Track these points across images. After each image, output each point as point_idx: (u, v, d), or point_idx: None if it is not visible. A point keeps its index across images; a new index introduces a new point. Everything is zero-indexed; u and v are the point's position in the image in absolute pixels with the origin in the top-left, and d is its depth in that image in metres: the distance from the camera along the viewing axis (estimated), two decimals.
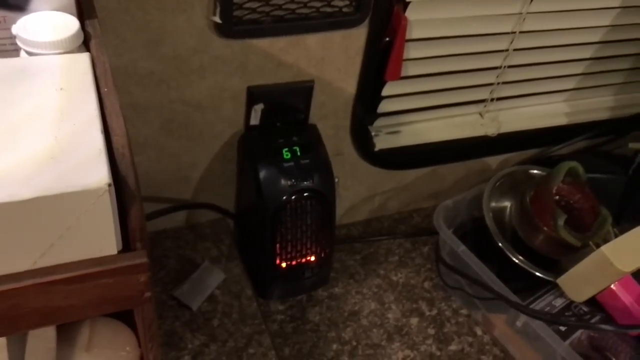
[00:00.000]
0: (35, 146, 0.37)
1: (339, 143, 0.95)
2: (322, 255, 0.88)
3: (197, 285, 0.86)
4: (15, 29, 0.48)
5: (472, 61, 0.96)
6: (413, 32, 0.86)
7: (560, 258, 0.91)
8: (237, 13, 0.73)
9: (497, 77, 1.00)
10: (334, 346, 0.87)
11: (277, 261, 0.85)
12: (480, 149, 1.07)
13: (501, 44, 0.95)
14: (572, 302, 0.89)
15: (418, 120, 1.01)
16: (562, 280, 0.85)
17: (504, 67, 0.98)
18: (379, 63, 0.87)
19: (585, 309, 0.88)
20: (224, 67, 0.78)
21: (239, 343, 0.81)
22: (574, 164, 0.91)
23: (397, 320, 0.91)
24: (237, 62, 0.78)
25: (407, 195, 1.08)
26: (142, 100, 0.77)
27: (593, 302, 0.87)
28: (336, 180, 0.86)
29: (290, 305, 0.91)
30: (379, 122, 0.99)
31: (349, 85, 0.88)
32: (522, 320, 0.84)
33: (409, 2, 0.83)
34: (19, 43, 0.48)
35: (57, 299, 0.37)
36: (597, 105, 1.15)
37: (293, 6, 0.75)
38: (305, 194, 0.82)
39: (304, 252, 0.86)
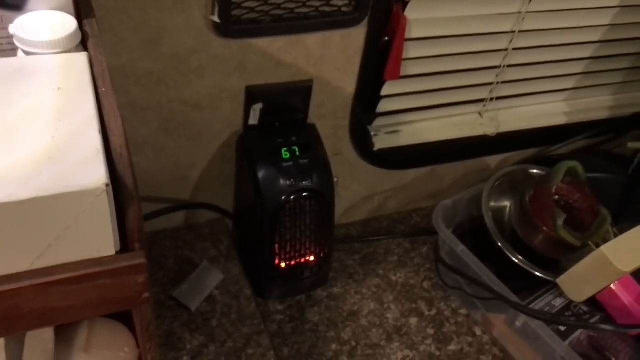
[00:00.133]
0: (32, 146, 0.37)
1: (338, 143, 0.94)
2: (321, 255, 0.88)
3: (195, 285, 0.86)
4: (13, 28, 0.47)
5: (471, 61, 0.95)
6: (412, 32, 0.86)
7: (559, 258, 0.91)
8: (235, 12, 0.73)
9: (497, 76, 1.00)
10: (333, 346, 0.87)
11: (276, 261, 0.85)
12: (479, 149, 1.07)
13: (500, 43, 0.95)
14: (571, 302, 0.89)
15: (417, 119, 1.01)
16: (562, 280, 0.85)
17: (503, 66, 0.98)
18: (378, 62, 0.87)
19: (584, 308, 0.88)
20: (223, 66, 0.78)
21: (237, 343, 0.81)
22: (573, 163, 0.91)
23: (397, 320, 0.91)
24: (235, 61, 0.78)
25: (406, 195, 1.08)
26: (140, 100, 0.77)
27: (593, 302, 0.87)
28: (335, 180, 0.85)
29: (289, 306, 0.91)
30: (378, 122, 0.98)
31: (348, 84, 0.88)
32: (521, 320, 0.84)
33: (408, 2, 0.82)
34: (16, 42, 0.47)
35: (54, 300, 0.37)
36: (597, 105, 1.15)
37: (292, 5, 0.75)
38: (304, 194, 0.82)
39: (303, 252, 0.86)
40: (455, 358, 0.88)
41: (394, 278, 0.98)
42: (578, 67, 1.07)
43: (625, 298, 0.84)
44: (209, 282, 0.87)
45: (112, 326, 0.54)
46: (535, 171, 1.01)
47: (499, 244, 0.90)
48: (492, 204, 0.96)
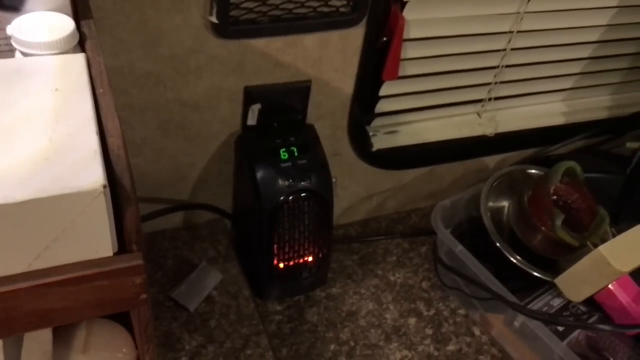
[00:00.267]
0: (30, 147, 0.37)
1: (336, 143, 0.94)
2: (320, 255, 0.88)
3: (194, 286, 0.86)
4: (10, 29, 0.47)
5: (469, 61, 0.95)
6: (410, 32, 0.86)
7: (558, 258, 0.91)
8: (233, 13, 0.73)
9: (495, 76, 1.00)
10: (332, 347, 0.87)
11: (275, 262, 0.85)
12: (478, 149, 1.07)
13: (499, 43, 0.95)
14: (569, 302, 0.89)
15: (416, 120, 1.01)
16: (560, 280, 0.85)
17: (502, 66, 0.98)
18: (377, 63, 0.87)
19: (582, 308, 0.88)
20: (221, 67, 0.78)
21: (236, 344, 0.81)
22: (571, 163, 0.91)
23: (395, 321, 0.91)
24: (234, 62, 0.78)
25: (405, 195, 1.08)
26: (139, 100, 0.77)
27: (591, 302, 0.87)
28: (334, 180, 0.85)
29: (287, 306, 0.91)
30: (377, 122, 0.99)
31: (347, 85, 0.88)
32: (519, 320, 0.84)
33: (406, 2, 0.82)
34: (13, 44, 0.47)
35: (52, 301, 0.37)
36: (595, 105, 1.15)
37: (290, 6, 0.75)
38: (302, 194, 0.82)
39: (301, 253, 0.86)
40: (453, 358, 0.88)
41: (392, 278, 0.98)
42: (576, 67, 1.07)
43: (623, 298, 0.84)
44: (208, 282, 0.87)
45: (111, 327, 0.54)
46: (533, 171, 1.01)
47: (498, 244, 0.90)
48: (491, 204, 0.96)
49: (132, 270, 0.38)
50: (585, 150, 1.15)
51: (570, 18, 0.97)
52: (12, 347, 0.47)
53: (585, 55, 1.05)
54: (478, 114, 1.06)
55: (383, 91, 0.92)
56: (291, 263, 0.86)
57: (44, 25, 0.48)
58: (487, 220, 0.92)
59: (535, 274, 0.88)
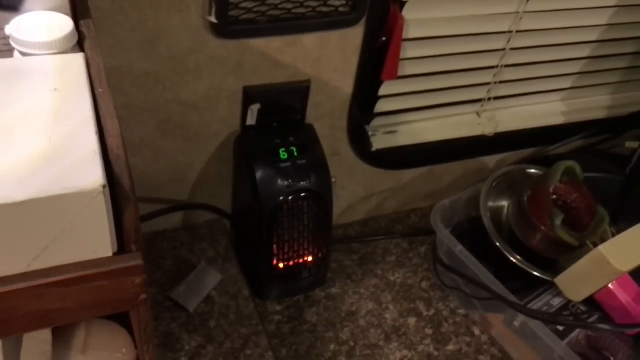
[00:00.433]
0: (28, 147, 0.37)
1: (335, 143, 0.94)
2: (319, 255, 0.88)
3: (193, 286, 0.86)
4: (9, 29, 0.47)
5: (468, 60, 0.95)
6: (409, 32, 0.86)
7: (557, 257, 0.91)
8: (232, 13, 0.73)
9: (494, 76, 1.00)
10: (331, 346, 0.87)
11: (274, 261, 0.85)
12: (477, 149, 1.07)
13: (498, 43, 0.95)
14: (569, 301, 0.89)
15: (415, 119, 1.01)
16: (560, 280, 0.85)
17: (501, 66, 0.98)
18: (376, 62, 0.87)
19: (582, 308, 0.88)
20: (220, 67, 0.78)
21: (235, 344, 0.81)
22: (570, 163, 0.91)
23: (395, 320, 0.91)
24: (233, 62, 0.78)
25: (404, 194, 1.08)
26: (137, 100, 0.77)
27: (590, 301, 0.87)
28: (333, 180, 0.85)
29: (287, 306, 0.91)
30: (376, 122, 0.98)
31: (346, 84, 0.88)
32: (519, 319, 0.84)
33: (405, 2, 0.82)
34: (12, 43, 0.47)
35: (51, 301, 0.37)
36: (594, 104, 1.15)
37: (289, 6, 0.75)
38: (301, 194, 0.82)
39: (300, 252, 0.86)
40: (453, 358, 0.88)
41: (392, 278, 0.98)
42: (575, 67, 1.07)
43: (623, 297, 0.84)
44: (207, 282, 0.86)
45: (110, 327, 0.54)
46: (532, 171, 1.01)
47: (497, 244, 0.90)
48: (490, 203, 0.96)
49: (131, 270, 0.38)
50: (585, 149, 1.15)
51: (569, 18, 0.97)
52: (12, 347, 0.47)
53: (584, 54, 1.05)
54: (477, 113, 1.06)
55: (382, 91, 0.92)
56: (290, 263, 0.86)
57: (43, 24, 0.48)
58: (486, 220, 0.92)
59: (535, 273, 0.88)
